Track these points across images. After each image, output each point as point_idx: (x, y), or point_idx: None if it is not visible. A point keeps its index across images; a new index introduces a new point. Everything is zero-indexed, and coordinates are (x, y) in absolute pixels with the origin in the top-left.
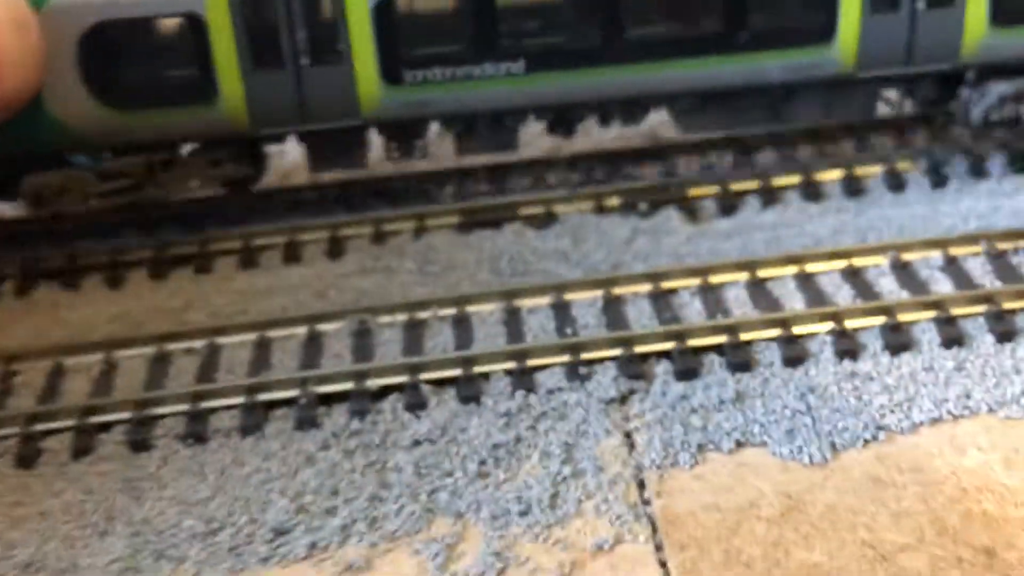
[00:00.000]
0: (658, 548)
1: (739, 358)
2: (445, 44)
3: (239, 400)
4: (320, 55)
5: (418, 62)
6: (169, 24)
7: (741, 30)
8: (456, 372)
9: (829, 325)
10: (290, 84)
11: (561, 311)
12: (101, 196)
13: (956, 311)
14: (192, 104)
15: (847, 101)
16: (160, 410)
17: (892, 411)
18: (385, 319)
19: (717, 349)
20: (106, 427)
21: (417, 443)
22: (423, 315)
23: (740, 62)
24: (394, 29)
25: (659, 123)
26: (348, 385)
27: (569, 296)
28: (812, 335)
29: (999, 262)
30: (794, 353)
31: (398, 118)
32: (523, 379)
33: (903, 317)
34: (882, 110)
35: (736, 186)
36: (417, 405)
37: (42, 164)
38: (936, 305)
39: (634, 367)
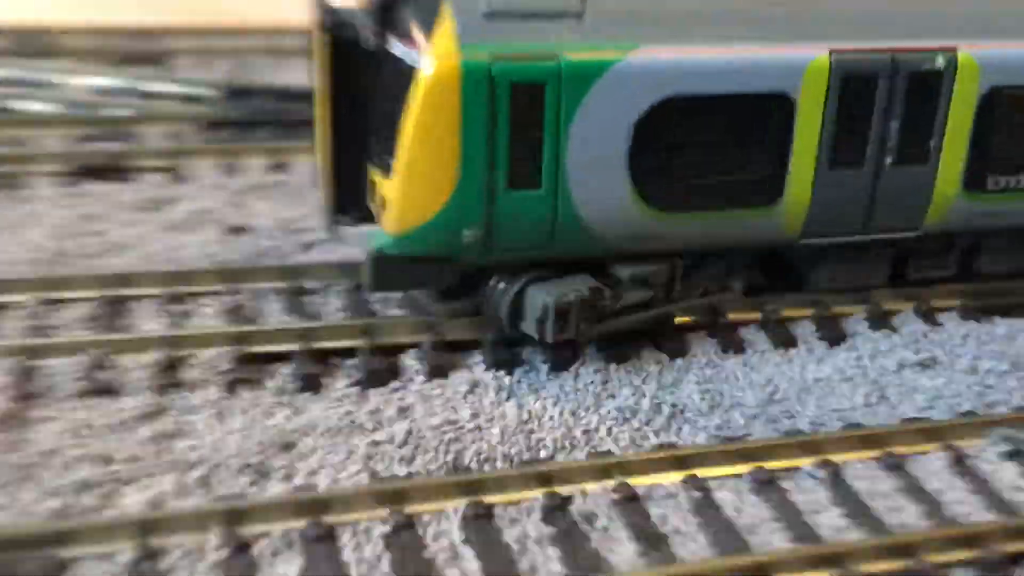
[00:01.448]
0: None
1: None
2: None
3: None
4: (906, 154)
5: (1006, 167)
6: (747, 108)
7: None
8: None
9: None
10: (865, 187)
11: None
12: (613, 315)
13: None
14: (749, 208)
15: None
16: None
17: None
18: None
19: None
20: None
21: None
22: None
23: None
24: (992, 127)
25: None
26: None
27: None
28: None
29: None
30: None
31: (958, 230)
32: None
33: None
34: None
35: None
36: None
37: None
38: None
39: None
